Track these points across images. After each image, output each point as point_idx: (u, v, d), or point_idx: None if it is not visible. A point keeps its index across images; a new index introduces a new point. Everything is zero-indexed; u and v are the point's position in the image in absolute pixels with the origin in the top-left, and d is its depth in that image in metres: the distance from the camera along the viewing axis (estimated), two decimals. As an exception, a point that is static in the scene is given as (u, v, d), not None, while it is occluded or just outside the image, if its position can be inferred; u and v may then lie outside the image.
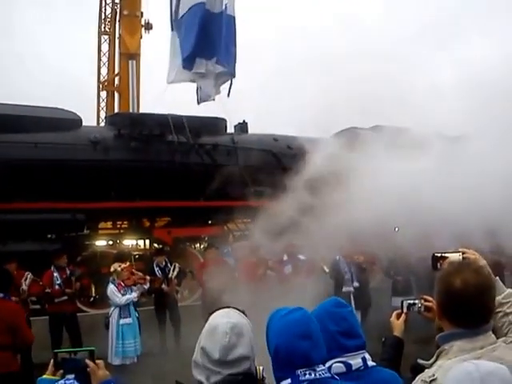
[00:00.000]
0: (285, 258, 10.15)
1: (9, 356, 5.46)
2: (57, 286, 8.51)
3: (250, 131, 13.18)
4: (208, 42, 11.93)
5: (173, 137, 11.27)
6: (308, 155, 8.87)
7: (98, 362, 2.35)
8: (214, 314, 2.10)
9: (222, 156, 11.75)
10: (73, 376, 2.14)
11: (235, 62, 12.14)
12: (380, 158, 6.80)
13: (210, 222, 11.97)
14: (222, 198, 11.18)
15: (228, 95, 12.03)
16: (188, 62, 12.01)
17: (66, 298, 8.53)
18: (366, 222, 6.07)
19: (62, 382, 2.06)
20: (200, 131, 11.69)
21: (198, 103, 12.22)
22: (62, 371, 2.28)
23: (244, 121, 13.21)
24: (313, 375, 1.99)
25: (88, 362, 2.32)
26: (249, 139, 12.49)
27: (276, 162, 11.99)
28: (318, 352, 2.06)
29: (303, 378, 1.98)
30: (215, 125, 12.24)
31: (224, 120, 12.62)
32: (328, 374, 2.05)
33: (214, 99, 12.99)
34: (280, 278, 9.86)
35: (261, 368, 2.25)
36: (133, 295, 8.30)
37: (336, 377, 2.09)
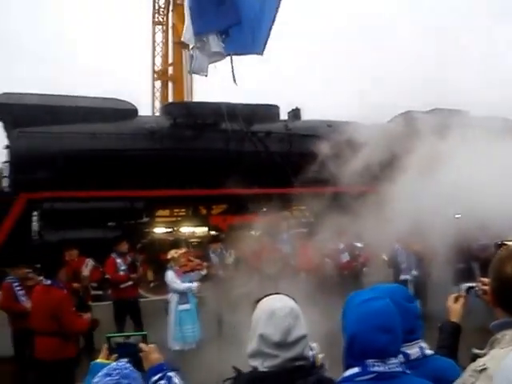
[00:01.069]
0: (341, 245, 10.04)
1: (57, 342, 5.51)
2: (121, 272, 8.72)
3: (303, 118, 13.05)
4: (227, 13, 11.61)
5: (226, 125, 11.31)
6: (364, 141, 8.73)
7: (150, 346, 2.37)
8: (265, 300, 2.12)
9: (276, 143, 11.70)
10: (126, 360, 2.15)
11: (267, 40, 11.81)
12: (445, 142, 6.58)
13: (264, 209, 11.96)
14: (277, 186, 11.16)
15: (234, 81, 11.84)
16: (199, 27, 11.78)
17: (130, 283, 8.74)
18: (433, 210, 5.89)
19: (115, 365, 2.07)
20: (253, 119, 11.69)
21: (190, 73, 11.99)
22: (115, 355, 2.30)
23: (297, 107, 13.08)
24: (382, 368, 1.94)
25: (141, 345, 2.35)
26: (302, 126, 12.38)
27: (330, 148, 11.81)
28: (395, 346, 2.00)
29: (372, 369, 1.94)
30: (268, 112, 12.19)
31: (277, 107, 12.55)
32: (399, 369, 1.97)
33: (206, 75, 12.84)
34: (337, 266, 9.77)
35: (320, 356, 2.30)
36: (194, 285, 8.43)
37: (407, 371, 2.01)
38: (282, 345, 1.98)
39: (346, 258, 9.85)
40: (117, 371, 1.98)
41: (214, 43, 11.18)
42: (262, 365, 2.00)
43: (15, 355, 7.20)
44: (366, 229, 7.71)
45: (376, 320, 1.96)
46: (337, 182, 10.65)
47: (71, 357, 5.66)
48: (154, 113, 20.43)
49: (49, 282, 5.69)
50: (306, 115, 13.16)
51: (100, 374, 1.99)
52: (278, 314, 2.02)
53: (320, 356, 2.32)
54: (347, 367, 2.00)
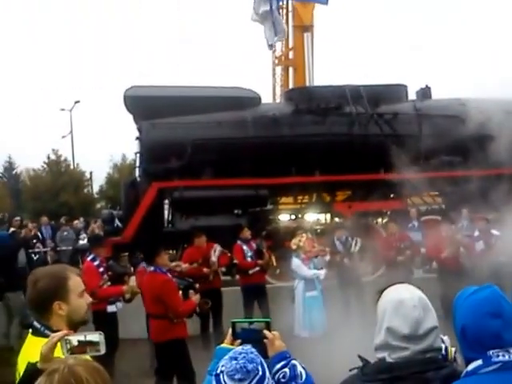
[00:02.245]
0: (476, 233, 9.34)
1: (164, 325, 5.67)
2: (249, 259, 8.85)
3: (433, 97, 12.28)
4: None
5: (350, 108, 10.96)
6: (502, 118, 7.99)
7: (274, 332, 2.32)
8: (390, 290, 2.03)
9: (403, 125, 11.11)
10: (250, 346, 2.11)
11: None
12: None
13: (391, 195, 11.50)
14: (404, 170, 10.62)
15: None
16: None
17: (258, 269, 8.83)
18: None
19: (240, 349, 2.05)
20: (379, 100, 11.18)
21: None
22: (239, 341, 2.28)
23: (427, 85, 12.31)
24: (507, 357, 1.80)
25: (266, 332, 2.31)
26: (433, 105, 11.64)
27: (464, 128, 11.02)
28: (509, 332, 1.83)
29: (496, 360, 1.80)
30: (395, 92, 11.60)
31: (404, 86, 11.93)
32: None
33: (273, 46, 12.62)
34: (471, 255, 9.07)
35: (453, 349, 2.20)
36: (321, 271, 8.35)
37: None
38: (411, 337, 1.89)
39: (480, 246, 9.10)
40: (242, 355, 1.97)
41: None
42: (389, 356, 1.91)
43: (149, 335, 7.59)
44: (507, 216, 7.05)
45: (484, 307, 1.87)
46: (473, 165, 9.93)
47: (183, 337, 5.82)
48: (275, 99, 20.47)
49: (152, 268, 5.93)
50: (436, 94, 12.39)
51: (225, 357, 2.00)
52: (407, 304, 1.92)
53: (453, 349, 2.21)
54: (467, 362, 1.89)
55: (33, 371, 1.94)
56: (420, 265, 10.31)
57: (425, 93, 12.19)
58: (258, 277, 8.89)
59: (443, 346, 2.06)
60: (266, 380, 1.98)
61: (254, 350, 2.05)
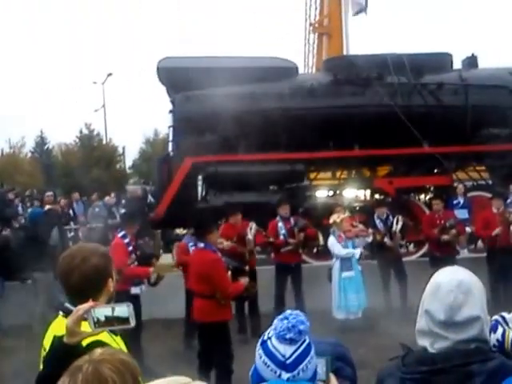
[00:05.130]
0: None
1: (212, 304, 5.52)
2: (281, 237, 8.54)
3: (480, 66, 11.63)
4: None
5: (392, 78, 10.45)
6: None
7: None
8: (438, 272, 1.92)
9: (448, 96, 10.54)
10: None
11: None
12: None
13: (435, 170, 11.01)
14: (450, 143, 10.13)
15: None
16: None
17: (290, 248, 8.52)
18: None
19: (291, 311, 1.97)
20: (422, 69, 10.65)
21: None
22: None
23: (473, 54, 11.71)
24: None
25: None
26: (480, 75, 11.02)
27: (514, 99, 10.42)
28: None
29: None
30: (439, 61, 11.01)
31: (449, 55, 11.32)
32: None
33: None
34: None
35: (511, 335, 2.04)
36: (356, 251, 8.02)
37: None
38: (449, 324, 1.77)
39: None
40: (293, 316, 1.92)
41: None
42: (431, 346, 1.80)
43: (186, 316, 7.41)
44: None
45: None
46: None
47: (227, 320, 5.72)
48: (308, 69, 19.92)
49: (202, 245, 5.75)
50: (483, 63, 11.73)
51: (277, 319, 1.94)
52: (443, 288, 1.81)
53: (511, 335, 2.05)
54: None
55: (59, 345, 1.94)
56: (465, 244, 9.91)
57: (471, 62, 11.58)
58: (291, 256, 8.59)
59: (500, 330, 1.98)
60: (312, 353, 1.89)
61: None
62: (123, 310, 1.95)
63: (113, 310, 1.94)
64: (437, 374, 1.73)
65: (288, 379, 1.85)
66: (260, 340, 1.92)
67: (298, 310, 1.96)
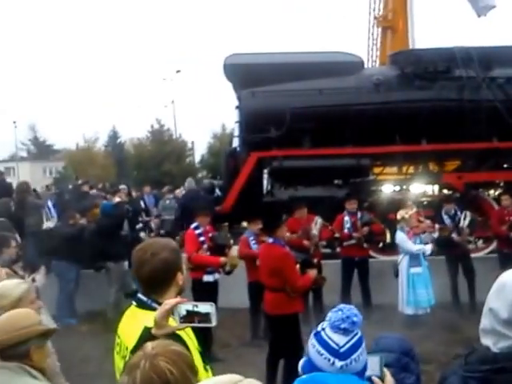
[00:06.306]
0: None
1: (283, 298, 5.59)
2: (346, 230, 8.61)
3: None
4: None
5: (460, 72, 10.21)
6: None
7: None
8: (506, 272, 1.88)
9: (519, 90, 10.20)
10: None
11: None
12: None
13: (505, 165, 10.67)
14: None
15: None
16: None
17: (353, 242, 8.57)
18: None
19: (344, 304, 2.09)
20: (491, 63, 10.33)
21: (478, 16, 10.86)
22: None
23: (545, 46, 11.19)
24: None
25: (374, 379, 2.07)
26: (553, 68, 10.56)
27: None
28: None
29: None
30: (509, 54, 10.59)
31: (518, 47, 10.90)
32: None
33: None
34: None
35: None
36: (427, 247, 7.97)
37: None
38: (511, 324, 1.74)
39: None
40: (347, 308, 2.01)
41: None
42: (494, 345, 1.77)
43: (250, 307, 7.60)
44: None
45: None
46: None
47: (298, 312, 5.76)
48: (371, 63, 19.64)
49: (271, 240, 5.82)
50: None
51: (331, 311, 2.04)
52: (509, 287, 1.77)
53: None
54: None
55: (148, 337, 1.99)
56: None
57: (544, 55, 11.08)
58: (356, 249, 8.62)
59: None
60: (363, 346, 1.96)
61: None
62: (206, 307, 2.03)
63: (194, 307, 2.03)
64: (498, 372, 1.73)
65: (341, 367, 1.94)
66: (313, 331, 2.00)
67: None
